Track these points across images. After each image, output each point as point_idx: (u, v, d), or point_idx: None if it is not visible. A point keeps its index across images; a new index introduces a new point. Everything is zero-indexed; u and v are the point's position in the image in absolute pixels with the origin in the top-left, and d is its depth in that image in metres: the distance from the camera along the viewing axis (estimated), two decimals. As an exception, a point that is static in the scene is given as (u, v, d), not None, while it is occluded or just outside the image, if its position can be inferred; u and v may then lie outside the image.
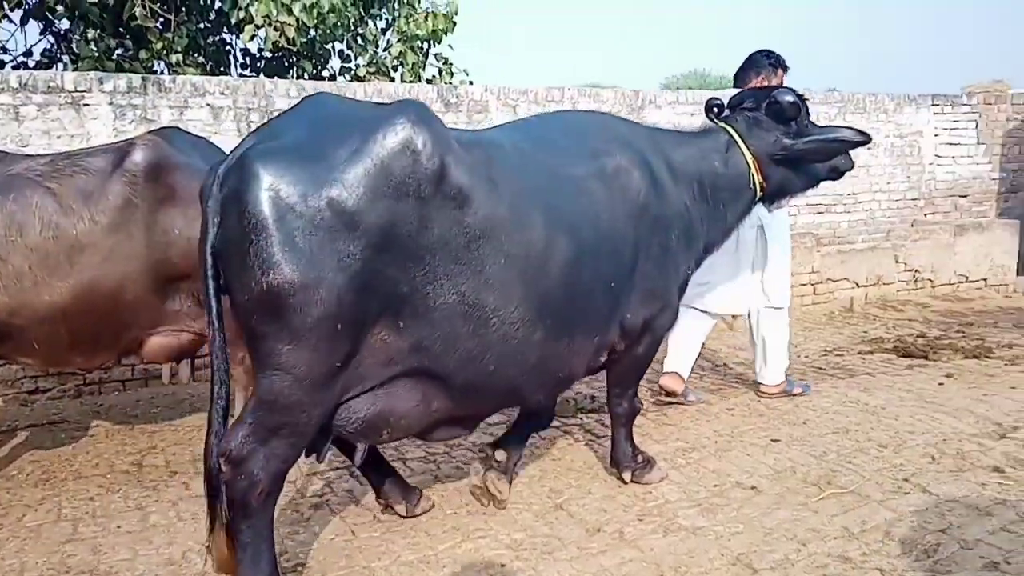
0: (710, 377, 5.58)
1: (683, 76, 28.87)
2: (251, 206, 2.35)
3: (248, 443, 2.50)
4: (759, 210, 4.11)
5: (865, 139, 3.72)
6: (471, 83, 7.97)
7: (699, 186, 3.53)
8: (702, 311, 4.92)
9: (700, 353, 5.22)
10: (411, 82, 8.04)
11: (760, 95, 3.74)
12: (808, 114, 3.75)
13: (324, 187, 2.40)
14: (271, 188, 2.35)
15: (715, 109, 3.79)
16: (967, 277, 8.34)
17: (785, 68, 4.73)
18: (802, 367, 5.69)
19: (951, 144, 8.83)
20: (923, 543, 3.18)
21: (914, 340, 6.41)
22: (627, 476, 3.71)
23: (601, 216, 3.08)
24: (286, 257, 2.34)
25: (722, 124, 3.73)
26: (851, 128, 3.75)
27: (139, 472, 4.06)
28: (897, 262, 8.01)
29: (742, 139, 3.65)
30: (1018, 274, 8.58)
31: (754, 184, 3.68)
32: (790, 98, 3.63)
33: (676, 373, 4.88)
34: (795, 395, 5.02)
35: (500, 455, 3.56)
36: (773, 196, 3.84)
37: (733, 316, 5.16)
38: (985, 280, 8.42)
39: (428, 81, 8.43)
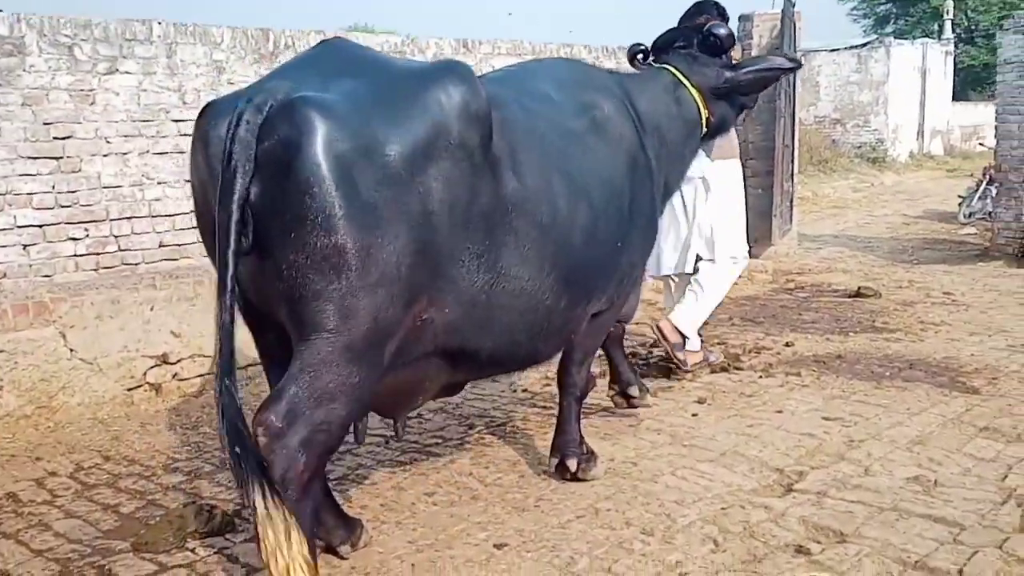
0: (425, 426, 4.08)
1: (344, 30, 28.01)
2: (313, 158, 2.20)
3: (290, 414, 2.27)
4: (702, 161, 4.28)
5: (797, 65, 4.00)
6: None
7: (660, 131, 3.52)
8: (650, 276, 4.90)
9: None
10: None
11: (688, 32, 3.80)
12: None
13: (387, 143, 2.31)
14: (334, 140, 2.22)
15: (640, 55, 3.89)
16: (687, 267, 7.72)
17: (727, 20, 4.54)
18: (523, 409, 4.43)
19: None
20: None
21: (648, 352, 5.44)
22: (572, 465, 3.42)
23: (605, 174, 3.11)
24: (350, 214, 2.23)
25: (660, 66, 3.76)
26: (783, 55, 4.08)
27: None
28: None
29: (685, 77, 3.68)
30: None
31: (703, 120, 3.72)
32: (725, 31, 3.70)
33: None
34: (711, 363, 4.85)
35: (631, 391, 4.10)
36: (714, 131, 3.86)
37: (678, 276, 4.97)
38: (705, 269, 7.85)
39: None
